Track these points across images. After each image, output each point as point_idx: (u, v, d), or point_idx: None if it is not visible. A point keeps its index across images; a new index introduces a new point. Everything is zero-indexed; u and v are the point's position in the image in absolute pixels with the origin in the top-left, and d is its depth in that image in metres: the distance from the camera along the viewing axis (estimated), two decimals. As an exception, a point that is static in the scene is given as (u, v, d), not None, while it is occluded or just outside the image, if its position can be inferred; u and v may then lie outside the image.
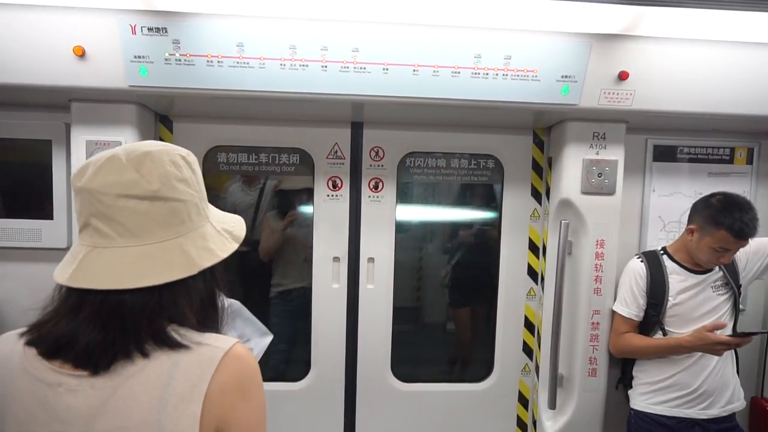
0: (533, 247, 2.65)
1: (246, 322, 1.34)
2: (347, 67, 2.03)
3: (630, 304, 2.26)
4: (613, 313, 2.34)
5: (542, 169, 2.62)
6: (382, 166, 2.55)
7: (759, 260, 2.26)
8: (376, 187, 2.55)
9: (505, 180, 2.63)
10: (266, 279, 2.75)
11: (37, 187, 2.35)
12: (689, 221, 2.23)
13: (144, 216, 0.88)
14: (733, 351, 2.24)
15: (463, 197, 2.86)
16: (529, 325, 2.68)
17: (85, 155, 2.14)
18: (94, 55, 1.96)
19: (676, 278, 2.24)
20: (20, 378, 0.87)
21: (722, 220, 2.05)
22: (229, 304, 1.28)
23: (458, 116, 2.39)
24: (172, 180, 0.91)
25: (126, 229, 0.88)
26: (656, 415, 2.22)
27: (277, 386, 2.55)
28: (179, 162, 0.94)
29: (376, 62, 2.04)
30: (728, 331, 2.21)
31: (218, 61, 1.99)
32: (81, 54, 1.94)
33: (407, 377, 2.66)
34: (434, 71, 2.06)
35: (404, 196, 2.68)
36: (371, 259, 2.57)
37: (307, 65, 2.02)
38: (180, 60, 1.98)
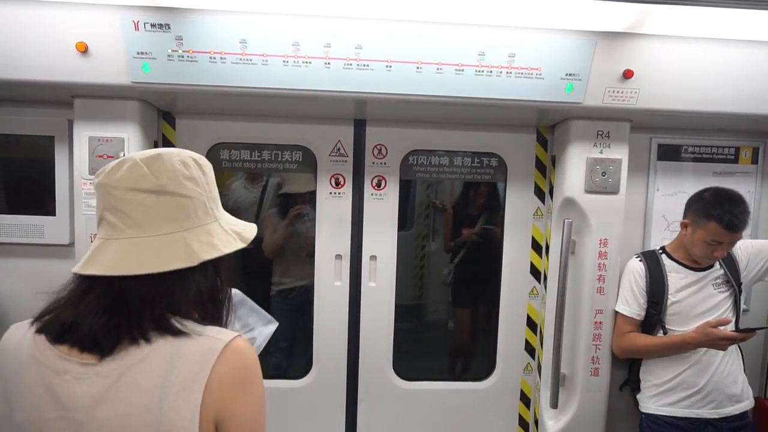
0: (536, 246, 2.64)
1: (250, 311, 1.34)
2: (350, 64, 2.03)
3: (631, 303, 2.26)
4: (616, 314, 2.33)
5: (546, 168, 2.61)
6: (385, 163, 2.54)
7: (760, 262, 2.25)
8: (378, 184, 2.54)
9: (509, 178, 2.62)
10: (267, 277, 2.76)
11: (39, 184, 2.35)
12: (684, 216, 2.26)
13: (151, 209, 0.93)
14: (738, 349, 2.24)
15: (466, 195, 2.85)
16: (532, 324, 2.67)
17: (88, 151, 2.15)
18: (97, 51, 1.96)
19: (676, 276, 2.24)
20: (29, 365, 0.91)
21: (712, 212, 2.08)
22: (234, 294, 1.28)
23: (461, 114, 2.38)
24: (179, 177, 0.96)
25: (133, 221, 0.93)
26: (668, 417, 2.21)
27: (279, 384, 2.55)
28: (189, 162, 0.99)
29: (379, 59, 2.03)
30: (731, 327, 2.19)
31: (221, 58, 1.99)
32: (84, 50, 1.94)
33: (409, 375, 2.66)
34: (438, 69, 2.05)
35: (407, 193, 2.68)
36: (373, 257, 2.57)
37: (310, 62, 2.01)
38: (183, 56, 1.98)
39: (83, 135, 2.15)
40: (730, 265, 2.23)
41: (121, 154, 2.13)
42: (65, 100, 2.18)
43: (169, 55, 1.97)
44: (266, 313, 1.38)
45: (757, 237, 2.59)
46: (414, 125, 2.54)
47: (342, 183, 2.53)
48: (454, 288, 2.94)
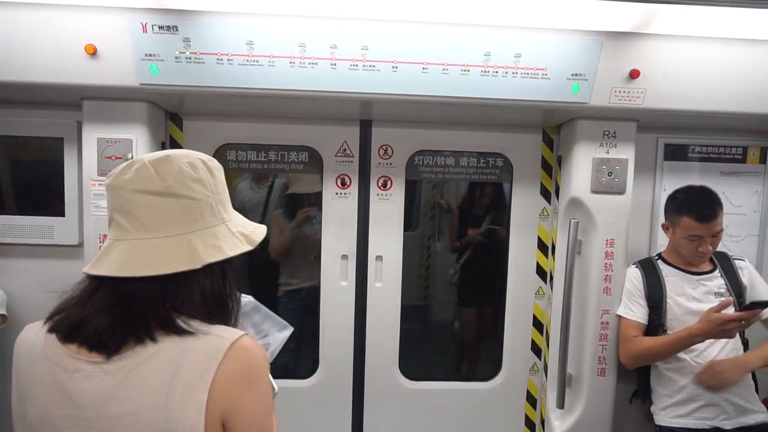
0: (542, 246, 2.64)
1: (264, 317, 1.35)
2: (356, 65, 2.03)
3: (633, 307, 2.25)
4: (620, 321, 2.30)
5: (552, 168, 2.60)
6: (391, 164, 2.55)
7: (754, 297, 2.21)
8: (384, 185, 2.55)
9: (515, 178, 2.62)
10: (275, 278, 2.77)
11: (48, 185, 2.37)
12: (664, 220, 2.31)
13: (157, 211, 0.94)
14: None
15: (472, 195, 2.85)
16: (538, 324, 2.67)
17: (97, 152, 2.17)
18: (105, 54, 1.97)
19: (673, 280, 2.24)
20: (41, 364, 0.93)
21: (683, 208, 2.16)
22: (247, 301, 1.29)
23: (467, 114, 2.38)
24: (186, 179, 0.96)
25: (140, 222, 0.94)
26: (683, 429, 2.17)
27: (286, 384, 2.55)
28: (197, 164, 0.99)
29: (385, 60, 2.04)
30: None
31: (228, 59, 2.00)
32: (92, 52, 1.96)
33: (415, 375, 2.66)
34: (444, 69, 2.05)
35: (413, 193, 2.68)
36: (379, 257, 2.57)
37: (316, 63, 2.02)
38: (190, 58, 1.99)
39: (92, 136, 2.17)
40: (732, 276, 2.22)
41: (129, 155, 2.16)
42: (74, 102, 2.20)
43: (176, 57, 1.98)
44: (281, 319, 1.39)
45: (765, 236, 2.58)
46: (420, 126, 2.54)
47: (348, 183, 2.54)
48: (460, 288, 2.94)
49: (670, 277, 2.25)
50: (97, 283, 0.94)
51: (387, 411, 2.64)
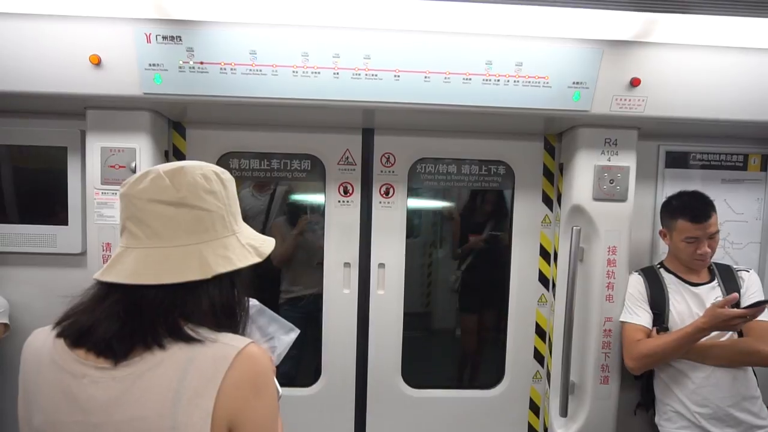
0: (544, 254, 2.64)
1: (270, 320, 1.35)
2: (359, 74, 2.05)
3: (637, 312, 2.24)
4: (623, 327, 2.28)
5: (553, 176, 2.61)
6: (393, 172, 2.56)
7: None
8: (387, 192, 2.56)
9: (516, 186, 2.63)
10: (276, 285, 2.77)
11: (52, 194, 2.38)
12: (661, 227, 2.32)
13: (170, 220, 0.96)
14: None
15: (474, 203, 2.85)
16: (541, 332, 2.67)
17: (100, 162, 2.18)
18: (109, 64, 1.99)
19: (674, 288, 2.24)
20: (48, 369, 0.94)
21: (676, 210, 2.20)
22: (253, 305, 1.29)
23: (469, 122, 2.39)
24: (199, 190, 0.98)
25: (153, 231, 0.96)
26: None
27: (288, 392, 2.55)
28: (210, 176, 1.01)
29: (387, 69, 2.05)
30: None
31: (231, 69, 2.01)
32: (97, 62, 1.97)
33: (418, 383, 2.66)
34: (445, 78, 2.07)
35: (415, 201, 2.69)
36: (382, 265, 2.58)
37: (319, 72, 2.03)
38: (194, 68, 2.00)
39: (95, 145, 2.18)
40: (731, 285, 2.21)
41: (133, 165, 2.17)
42: (78, 111, 2.21)
43: (180, 67, 2.00)
44: (286, 322, 1.39)
45: (767, 243, 2.58)
46: (422, 134, 2.55)
47: (350, 191, 2.55)
48: (462, 295, 2.94)
49: (672, 284, 2.25)
50: (106, 290, 0.95)
51: (390, 419, 2.63)
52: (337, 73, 2.04)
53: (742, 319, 1.98)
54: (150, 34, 1.96)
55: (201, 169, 1.01)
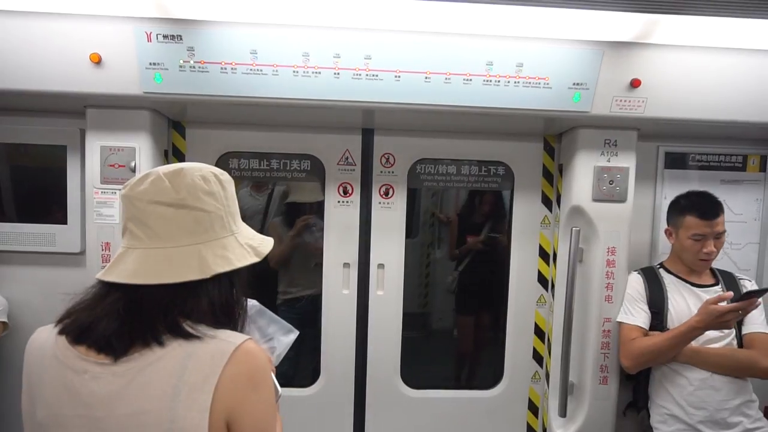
0: (543, 254, 2.65)
1: (270, 321, 1.35)
2: (359, 75, 2.05)
3: (634, 313, 2.24)
4: (620, 327, 2.28)
5: (553, 176, 2.62)
6: (393, 172, 2.56)
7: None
8: (386, 193, 2.56)
9: (516, 187, 2.63)
10: (274, 286, 2.76)
11: (51, 192, 2.37)
12: (666, 225, 2.33)
13: (170, 221, 0.98)
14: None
15: (473, 203, 2.86)
16: (540, 333, 2.67)
17: (100, 160, 2.17)
18: (110, 63, 1.98)
19: (674, 287, 2.25)
20: (51, 365, 0.96)
21: (685, 207, 2.21)
22: (252, 305, 1.29)
23: (469, 123, 2.39)
24: (198, 192, 1.00)
25: (153, 232, 0.98)
26: None
27: (287, 392, 2.54)
28: (209, 177, 1.03)
29: (388, 69, 2.05)
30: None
31: (232, 69, 2.01)
32: (97, 61, 1.97)
33: (417, 384, 2.66)
34: (446, 78, 2.07)
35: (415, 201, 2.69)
36: (381, 265, 2.58)
37: (319, 72, 2.03)
38: (194, 67, 2.00)
39: (95, 144, 2.18)
40: (734, 290, 2.20)
41: (133, 164, 2.16)
42: (78, 110, 2.20)
43: (180, 66, 2.00)
44: (285, 323, 1.40)
45: (765, 244, 2.59)
46: (422, 134, 2.55)
47: (350, 192, 2.55)
48: (461, 296, 2.94)
49: (672, 285, 2.25)
50: (107, 289, 0.98)
51: (389, 419, 2.63)
52: (338, 74, 2.04)
53: (736, 314, 1.99)
54: (150, 33, 1.96)
55: (200, 170, 1.03)
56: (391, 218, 2.57)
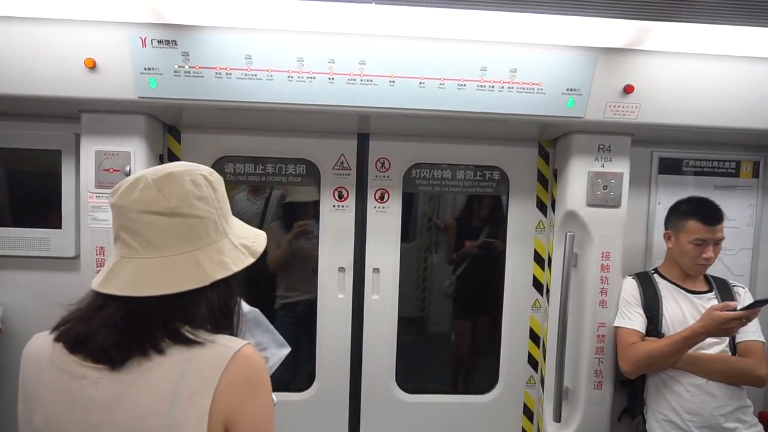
0: (538, 259, 2.65)
1: (265, 332, 1.36)
2: (354, 80, 2.05)
3: (632, 317, 2.24)
4: (617, 332, 2.28)
5: (547, 181, 2.62)
6: (388, 177, 2.56)
7: None
8: (381, 197, 2.56)
9: (511, 192, 2.64)
10: (271, 290, 2.76)
11: (46, 197, 2.37)
12: (665, 230, 2.33)
13: (164, 230, 0.97)
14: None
15: (468, 208, 2.86)
16: (534, 337, 2.67)
17: (94, 165, 2.17)
18: (104, 67, 1.99)
19: (668, 293, 2.25)
20: (48, 370, 0.95)
21: (688, 212, 2.21)
22: (250, 311, 1.30)
23: (464, 128, 2.40)
24: (190, 198, 0.98)
25: (148, 242, 0.96)
26: None
27: (282, 396, 2.54)
28: (199, 181, 1.01)
29: (382, 75, 2.06)
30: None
31: (227, 73, 2.01)
32: (92, 66, 1.97)
33: (412, 388, 2.65)
34: (440, 84, 2.07)
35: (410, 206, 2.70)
36: (376, 270, 2.58)
37: (314, 77, 2.04)
38: (189, 72, 2.01)
39: (90, 149, 2.18)
40: (728, 297, 2.23)
41: (127, 168, 2.16)
42: (73, 114, 2.21)
43: (175, 71, 2.00)
44: (280, 336, 1.40)
45: (758, 249, 2.60)
46: (417, 139, 2.56)
47: (345, 196, 2.55)
48: (456, 301, 2.94)
49: (666, 290, 2.26)
50: (104, 299, 0.96)
51: (384, 424, 2.63)
52: (332, 79, 2.05)
53: (738, 322, 2.00)
54: (145, 38, 1.96)
55: (190, 174, 1.00)
56: (386, 223, 2.57)
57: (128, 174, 2.16)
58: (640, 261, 2.58)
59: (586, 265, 2.38)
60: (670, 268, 2.32)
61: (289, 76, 2.03)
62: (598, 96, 2.12)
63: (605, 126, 2.23)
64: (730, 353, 2.18)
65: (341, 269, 2.57)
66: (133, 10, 1.93)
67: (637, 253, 2.58)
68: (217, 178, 1.07)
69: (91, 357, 0.93)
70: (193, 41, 1.98)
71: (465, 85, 2.08)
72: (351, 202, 2.56)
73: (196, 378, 0.91)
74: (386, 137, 2.55)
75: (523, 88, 2.10)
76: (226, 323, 1.03)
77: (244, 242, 1.09)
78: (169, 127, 2.47)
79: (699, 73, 2.12)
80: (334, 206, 2.55)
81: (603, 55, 2.08)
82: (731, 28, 1.96)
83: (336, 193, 2.55)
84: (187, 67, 2.00)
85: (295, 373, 2.73)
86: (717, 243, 2.18)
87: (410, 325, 2.81)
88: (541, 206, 2.64)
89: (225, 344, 0.96)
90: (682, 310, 2.21)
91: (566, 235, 2.32)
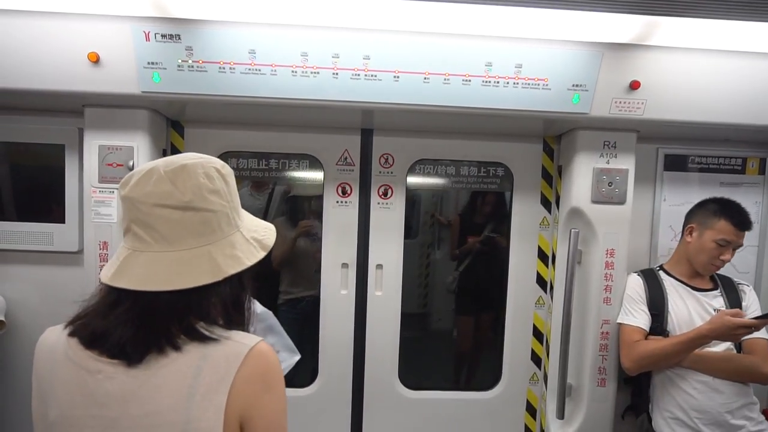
0: (542, 256, 2.64)
1: (277, 337, 1.36)
2: (358, 75, 2.04)
3: (635, 314, 2.23)
4: (620, 328, 2.27)
5: (552, 178, 2.61)
6: (392, 173, 2.56)
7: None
8: (385, 193, 2.55)
9: (515, 188, 2.63)
10: (275, 285, 2.76)
11: (49, 191, 2.37)
12: (686, 223, 2.30)
13: (177, 224, 0.96)
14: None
15: (472, 204, 2.85)
16: (538, 334, 2.67)
17: (98, 160, 2.17)
18: (108, 62, 1.98)
19: (673, 290, 2.24)
20: (63, 365, 0.95)
21: (722, 212, 2.18)
22: (264, 313, 1.29)
23: (468, 124, 2.39)
24: (204, 191, 0.98)
25: (161, 236, 0.96)
26: None
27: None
28: (213, 174, 1.00)
29: (387, 70, 2.05)
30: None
31: (230, 68, 2.01)
32: (95, 60, 1.96)
33: (415, 384, 2.65)
34: (445, 79, 2.06)
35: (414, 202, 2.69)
36: (380, 266, 2.57)
37: (318, 72, 2.03)
38: (193, 66, 2.00)
39: (93, 143, 2.18)
40: (733, 295, 2.22)
41: (131, 163, 2.16)
42: (76, 109, 2.20)
43: (179, 66, 1.99)
44: (292, 343, 1.40)
45: (764, 247, 2.59)
46: (421, 135, 2.55)
47: (349, 192, 2.54)
48: (460, 297, 2.94)
49: (672, 288, 2.25)
50: (118, 294, 0.95)
51: (386, 420, 2.63)
52: (337, 74, 2.04)
53: (747, 330, 1.99)
54: (149, 32, 1.95)
55: (203, 167, 1.00)
56: (389, 219, 2.56)
57: (131, 169, 2.15)
58: (644, 258, 2.57)
59: (590, 262, 2.37)
60: (677, 264, 2.30)
61: (293, 71, 2.02)
62: (603, 92, 2.11)
63: (611, 122, 2.22)
64: (735, 351, 2.17)
65: (344, 265, 2.56)
66: (137, 3, 1.92)
67: (642, 250, 2.58)
68: (229, 171, 1.07)
69: (107, 353, 0.93)
70: (196, 35, 1.97)
71: (470, 80, 2.07)
72: (354, 198, 2.55)
73: (212, 374, 0.92)
74: (390, 133, 2.54)
75: (529, 84, 2.09)
76: (238, 318, 1.03)
77: (255, 235, 1.09)
78: (173, 122, 2.46)
79: (706, 68, 2.10)
80: (337, 202, 2.54)
81: (609, 51, 2.06)
82: (739, 24, 1.94)
83: (339, 189, 2.54)
84: (190, 61, 1.99)
85: (299, 369, 2.73)
86: (736, 248, 2.18)
87: (413, 321, 2.81)
88: (546, 203, 2.63)
89: (240, 341, 0.96)
90: (687, 307, 2.20)
91: (571, 231, 2.32)
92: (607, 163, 2.32)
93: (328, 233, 2.56)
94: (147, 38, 1.96)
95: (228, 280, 0.99)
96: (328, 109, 2.12)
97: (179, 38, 1.97)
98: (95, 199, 2.18)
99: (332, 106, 2.09)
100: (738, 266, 2.57)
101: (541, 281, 2.65)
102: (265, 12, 1.95)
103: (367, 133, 2.54)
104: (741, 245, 2.18)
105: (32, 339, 1.04)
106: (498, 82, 2.08)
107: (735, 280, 2.30)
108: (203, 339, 0.94)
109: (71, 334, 0.97)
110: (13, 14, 1.93)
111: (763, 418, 2.18)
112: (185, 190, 0.96)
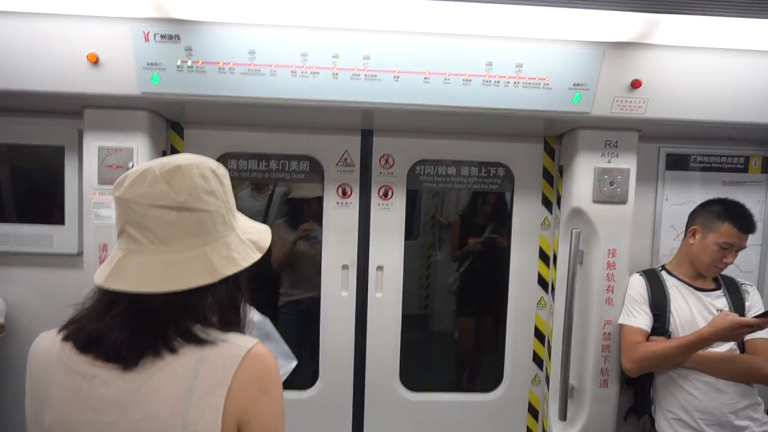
0: (544, 256, 2.63)
1: (274, 344, 1.35)
2: (358, 75, 2.04)
3: (637, 315, 2.22)
4: (621, 329, 2.26)
5: (553, 178, 2.60)
6: (392, 173, 2.55)
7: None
8: (385, 194, 2.55)
9: (516, 188, 2.61)
10: (275, 287, 2.75)
11: (49, 193, 2.37)
12: (689, 225, 2.28)
13: (172, 225, 0.95)
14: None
15: (473, 205, 2.84)
16: (540, 335, 2.65)
17: (98, 161, 2.16)
18: (107, 63, 1.98)
19: (676, 290, 2.23)
20: (58, 370, 0.94)
21: (725, 215, 2.16)
22: (261, 321, 1.28)
23: (469, 124, 2.38)
24: (199, 192, 0.97)
25: (156, 237, 0.95)
26: None
27: (285, 394, 2.50)
28: (208, 175, 1.00)
29: (387, 70, 2.04)
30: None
31: (230, 69, 2.00)
32: (95, 61, 1.96)
33: (416, 386, 2.64)
34: (445, 79, 2.05)
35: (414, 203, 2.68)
36: (380, 267, 2.56)
37: (318, 73, 2.02)
38: (192, 67, 1.99)
39: (93, 145, 2.17)
40: (736, 295, 2.21)
41: (130, 164, 2.15)
42: (76, 110, 2.20)
43: (178, 66, 1.99)
44: (288, 349, 1.40)
45: (768, 246, 2.58)
46: (421, 135, 2.54)
47: (349, 193, 2.53)
48: (461, 298, 2.93)
49: (674, 288, 2.24)
50: (112, 296, 0.94)
51: (387, 422, 2.61)
52: (336, 74, 2.03)
53: (749, 329, 1.99)
54: (148, 33, 1.95)
55: (198, 167, 0.99)
56: (390, 220, 2.55)
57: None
58: (646, 258, 2.56)
59: (592, 263, 2.35)
60: (680, 265, 2.29)
61: (292, 72, 2.02)
62: (605, 91, 2.10)
63: (612, 121, 2.21)
64: (738, 351, 2.16)
65: (345, 267, 2.55)
66: (137, 4, 1.91)
67: (643, 250, 2.56)
68: (224, 172, 1.06)
69: (102, 357, 0.92)
70: (196, 36, 1.96)
71: (470, 80, 2.06)
72: (354, 199, 2.54)
73: (210, 377, 0.91)
74: (390, 133, 2.53)
75: (529, 83, 2.08)
76: (233, 319, 1.03)
77: (251, 237, 1.08)
78: (172, 123, 2.46)
79: (708, 67, 2.09)
80: (337, 203, 2.53)
81: (610, 50, 2.05)
82: (741, 21, 1.93)
83: (339, 190, 2.53)
84: (190, 62, 1.99)
85: (299, 371, 2.72)
86: (739, 250, 2.16)
87: (414, 322, 2.80)
88: (547, 203, 2.61)
89: (237, 343, 0.96)
90: (690, 307, 2.18)
91: (572, 232, 2.30)
92: (609, 162, 2.31)
93: (329, 235, 2.55)
94: (146, 39, 1.96)
95: (224, 281, 0.98)
96: (328, 109, 2.11)
97: (179, 39, 1.96)
98: (95, 200, 2.18)
99: (332, 106, 2.08)
100: (741, 265, 2.55)
101: (543, 282, 2.64)
102: (264, 12, 1.95)
103: (367, 134, 2.53)
104: (744, 247, 2.17)
105: (32, 342, 1.03)
106: (498, 82, 2.07)
107: (738, 280, 2.28)
108: (199, 341, 0.93)
109: (65, 339, 0.96)
110: (13, 15, 1.93)
111: (767, 418, 2.16)
112: (181, 190, 0.95)
